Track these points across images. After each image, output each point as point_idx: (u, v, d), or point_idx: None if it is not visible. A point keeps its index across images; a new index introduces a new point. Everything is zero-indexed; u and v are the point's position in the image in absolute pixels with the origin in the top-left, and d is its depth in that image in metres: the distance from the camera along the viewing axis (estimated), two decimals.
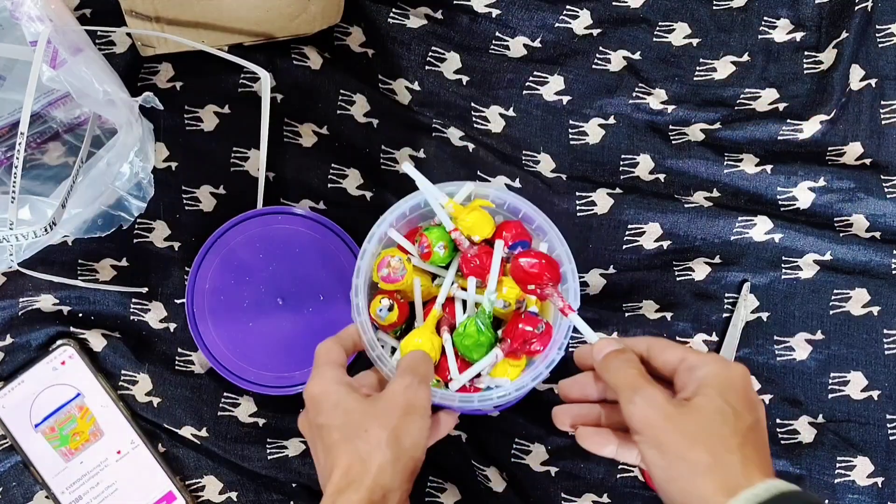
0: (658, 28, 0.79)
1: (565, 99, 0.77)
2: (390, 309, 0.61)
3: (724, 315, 0.73)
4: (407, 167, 0.62)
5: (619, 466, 0.71)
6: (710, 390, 0.47)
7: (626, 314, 0.73)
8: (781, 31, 0.79)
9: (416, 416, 0.51)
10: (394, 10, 0.78)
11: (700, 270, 0.74)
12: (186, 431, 0.71)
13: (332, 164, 0.75)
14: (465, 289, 0.62)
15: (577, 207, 0.75)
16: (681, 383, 0.50)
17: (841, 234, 0.74)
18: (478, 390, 0.61)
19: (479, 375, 0.60)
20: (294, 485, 0.71)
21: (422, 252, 0.61)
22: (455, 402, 0.58)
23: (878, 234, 0.75)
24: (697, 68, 0.78)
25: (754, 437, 0.47)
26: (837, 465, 0.71)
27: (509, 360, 0.61)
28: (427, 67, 0.77)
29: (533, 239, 0.63)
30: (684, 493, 0.45)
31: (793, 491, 0.44)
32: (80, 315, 0.72)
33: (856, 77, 0.77)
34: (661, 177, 0.76)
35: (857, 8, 0.77)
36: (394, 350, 0.62)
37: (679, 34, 0.79)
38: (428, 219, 0.64)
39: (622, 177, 0.76)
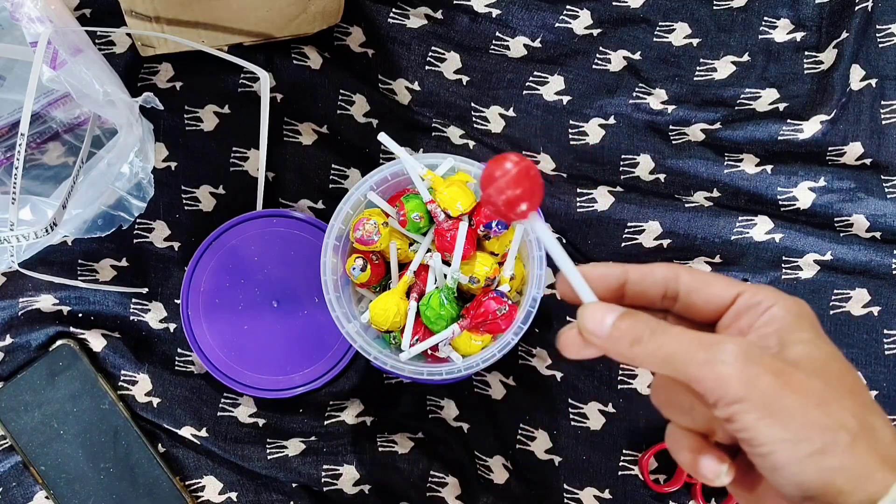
0: (658, 28, 0.79)
1: (565, 99, 0.77)
2: (363, 269, 0.63)
3: None
4: (383, 137, 0.63)
5: (621, 462, 0.71)
6: (803, 334, 0.36)
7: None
8: (782, 31, 0.79)
9: None
10: (394, 10, 0.78)
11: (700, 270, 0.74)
12: (186, 431, 0.71)
13: (332, 164, 0.75)
14: (445, 262, 0.62)
15: (578, 203, 0.75)
16: (741, 327, 0.38)
17: (841, 235, 0.74)
18: (437, 359, 0.63)
19: (436, 347, 0.62)
20: (294, 485, 0.71)
21: (399, 218, 0.63)
22: (404, 372, 0.60)
23: (878, 235, 0.75)
24: (697, 68, 0.78)
25: (868, 391, 0.36)
26: None
27: (472, 334, 0.62)
28: (427, 67, 0.77)
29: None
30: (830, 472, 0.33)
31: None
32: (80, 315, 0.72)
33: (856, 77, 0.77)
34: (662, 177, 0.76)
35: (857, 8, 0.77)
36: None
37: (679, 34, 0.79)
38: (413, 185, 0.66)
39: (622, 177, 0.76)
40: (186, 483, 0.71)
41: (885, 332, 0.73)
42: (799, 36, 0.79)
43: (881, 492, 0.33)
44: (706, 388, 0.35)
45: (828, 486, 0.33)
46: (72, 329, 0.71)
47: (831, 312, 0.73)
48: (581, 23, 0.78)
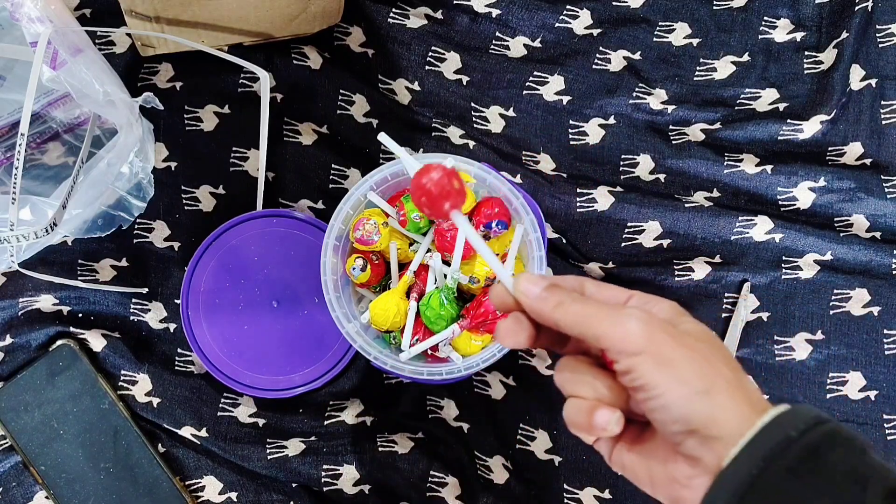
0: (658, 28, 0.79)
1: (565, 99, 0.77)
2: (363, 269, 0.63)
3: (724, 315, 0.73)
4: (383, 137, 0.63)
5: None
6: (688, 318, 0.45)
7: None
8: (782, 31, 0.79)
9: None
10: (394, 10, 0.78)
11: (700, 270, 0.74)
12: (186, 431, 0.71)
13: (332, 165, 0.75)
14: (445, 262, 0.62)
15: (578, 203, 0.75)
16: None
17: (841, 234, 0.74)
18: (437, 359, 0.63)
19: (436, 347, 0.62)
20: (294, 485, 0.71)
21: (399, 218, 0.63)
22: (404, 372, 0.60)
23: (878, 235, 0.75)
24: (697, 68, 0.78)
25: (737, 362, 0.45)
26: None
27: (472, 334, 0.62)
28: (427, 67, 0.77)
29: (512, 218, 0.63)
30: (715, 408, 0.40)
31: (806, 408, 0.41)
32: (80, 315, 0.72)
33: (856, 77, 0.77)
34: (662, 177, 0.76)
35: (857, 8, 0.77)
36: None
37: (679, 34, 0.79)
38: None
39: (622, 177, 0.76)
40: (186, 483, 0.71)
41: (885, 332, 0.73)
42: (799, 36, 0.79)
43: (750, 425, 0.40)
44: (612, 342, 0.42)
45: (711, 420, 0.40)
46: (72, 329, 0.71)
47: (831, 312, 0.73)
48: (581, 23, 0.78)
